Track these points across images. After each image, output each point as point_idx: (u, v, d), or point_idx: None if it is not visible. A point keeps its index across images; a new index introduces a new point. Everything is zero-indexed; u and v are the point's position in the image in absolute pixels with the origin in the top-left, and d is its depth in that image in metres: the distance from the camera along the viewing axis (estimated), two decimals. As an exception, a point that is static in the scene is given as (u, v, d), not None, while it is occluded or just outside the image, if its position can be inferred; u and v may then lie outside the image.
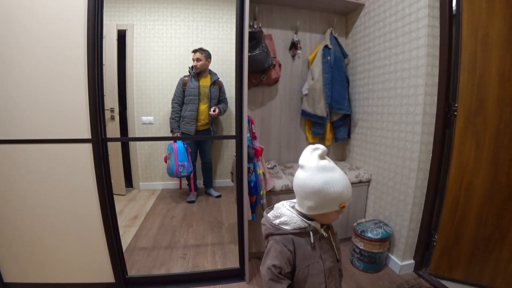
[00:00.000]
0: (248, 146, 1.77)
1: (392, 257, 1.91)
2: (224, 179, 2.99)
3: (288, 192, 1.98)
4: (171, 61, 2.70)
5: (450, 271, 1.74)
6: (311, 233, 0.88)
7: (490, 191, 1.55)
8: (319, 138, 2.38)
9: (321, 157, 0.87)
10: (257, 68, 2.11)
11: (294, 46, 2.33)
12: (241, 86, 1.62)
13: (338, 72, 2.23)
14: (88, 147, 1.50)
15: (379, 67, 2.02)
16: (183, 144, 2.70)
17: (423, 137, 1.69)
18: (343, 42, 2.38)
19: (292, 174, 2.14)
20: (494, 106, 1.50)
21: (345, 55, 2.30)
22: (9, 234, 1.56)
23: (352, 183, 2.04)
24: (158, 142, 2.84)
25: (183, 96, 2.63)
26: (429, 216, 1.78)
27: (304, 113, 2.36)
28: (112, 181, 1.61)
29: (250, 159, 1.81)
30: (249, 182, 1.79)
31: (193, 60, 2.56)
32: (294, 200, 0.96)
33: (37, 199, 1.53)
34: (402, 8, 1.77)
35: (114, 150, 2.55)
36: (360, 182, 2.09)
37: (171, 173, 2.69)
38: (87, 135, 1.48)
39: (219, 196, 2.91)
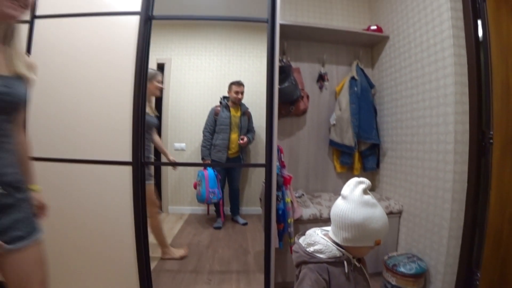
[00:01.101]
0: (277, 174, 1.81)
1: (429, 295, 1.78)
2: (250, 207, 3.01)
3: (315, 222, 1.95)
4: (204, 92, 2.90)
5: (497, 315, 1.57)
6: (345, 262, 0.88)
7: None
8: (347, 167, 2.37)
9: (365, 192, 0.88)
10: (286, 99, 2.21)
11: (321, 78, 2.42)
12: (271, 117, 1.70)
13: (365, 102, 2.27)
14: (128, 169, 1.62)
15: (407, 96, 2.03)
16: (214, 171, 2.80)
17: (456, 167, 1.63)
18: (369, 73, 2.44)
19: (320, 204, 2.13)
20: (531, 133, 1.44)
21: (371, 86, 2.35)
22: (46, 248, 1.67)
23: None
24: (188, 168, 2.96)
25: (214, 125, 2.77)
26: (468, 251, 1.66)
27: (332, 143, 2.38)
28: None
29: (278, 187, 1.84)
30: (277, 210, 1.81)
31: (238, 92, 2.73)
32: (326, 228, 0.97)
33: (77, 216, 1.64)
34: (427, 39, 1.82)
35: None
36: (391, 213, 2.02)
37: (202, 199, 2.77)
38: (129, 158, 1.61)
39: (245, 224, 2.91)
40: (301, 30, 2.24)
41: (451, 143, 1.65)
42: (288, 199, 1.91)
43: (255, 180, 3.10)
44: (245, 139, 2.77)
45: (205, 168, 2.81)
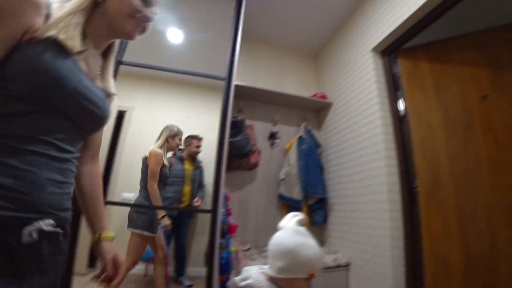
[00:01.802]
0: (222, 221, 1.78)
1: None
2: (197, 268, 2.77)
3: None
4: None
5: None
6: None
7: (467, 265, 1.51)
8: (297, 222, 2.38)
9: (300, 223, 0.94)
10: (237, 152, 2.32)
11: (272, 136, 2.60)
12: (220, 163, 1.76)
13: (312, 159, 2.43)
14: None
15: (348, 154, 2.24)
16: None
17: (392, 214, 1.74)
18: (317, 134, 2.68)
19: (267, 257, 2.06)
20: (450, 181, 1.63)
21: (318, 145, 2.56)
22: None
23: (330, 268, 1.96)
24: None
25: (167, 177, 2.73)
26: (411, 301, 1.65)
27: (281, 197, 2.43)
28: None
29: (223, 235, 1.80)
30: (220, 259, 1.72)
31: (199, 146, 2.79)
32: (265, 267, 0.97)
33: None
34: (361, 105, 2.12)
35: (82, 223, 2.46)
36: (338, 266, 1.99)
37: (147, 258, 2.53)
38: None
39: (191, 286, 2.63)
40: (256, 92, 2.49)
41: (385, 193, 1.78)
42: (233, 249, 1.85)
43: (204, 238, 2.95)
44: (200, 201, 2.73)
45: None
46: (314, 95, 2.63)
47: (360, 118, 2.12)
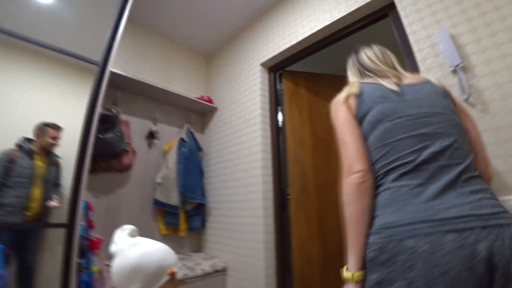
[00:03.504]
0: (81, 236, 1.51)
1: None
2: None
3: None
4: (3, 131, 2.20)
5: None
6: None
7: (324, 257, 1.82)
8: (173, 229, 2.25)
9: (131, 235, 0.85)
10: (107, 151, 2.00)
11: (151, 135, 2.37)
12: (81, 165, 1.48)
13: (192, 163, 2.37)
14: None
15: (228, 160, 2.29)
16: (-1, 243, 1.97)
17: (265, 219, 1.88)
18: (199, 137, 2.63)
19: None
20: (313, 190, 1.91)
21: (200, 149, 2.52)
22: None
23: (207, 274, 1.95)
24: None
25: (5, 177, 2.08)
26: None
27: (156, 203, 2.25)
28: None
29: (83, 253, 1.52)
30: (79, 283, 1.45)
31: (55, 138, 2.17)
32: None
33: None
34: (244, 114, 2.21)
35: None
36: (216, 271, 2.00)
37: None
38: None
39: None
40: (138, 85, 2.21)
41: (260, 200, 1.91)
42: (95, 269, 1.58)
43: (59, 254, 2.40)
44: (58, 200, 2.18)
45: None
46: (201, 98, 2.57)
47: (243, 127, 2.21)
